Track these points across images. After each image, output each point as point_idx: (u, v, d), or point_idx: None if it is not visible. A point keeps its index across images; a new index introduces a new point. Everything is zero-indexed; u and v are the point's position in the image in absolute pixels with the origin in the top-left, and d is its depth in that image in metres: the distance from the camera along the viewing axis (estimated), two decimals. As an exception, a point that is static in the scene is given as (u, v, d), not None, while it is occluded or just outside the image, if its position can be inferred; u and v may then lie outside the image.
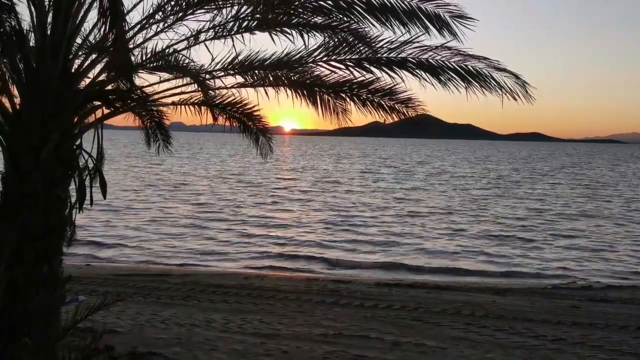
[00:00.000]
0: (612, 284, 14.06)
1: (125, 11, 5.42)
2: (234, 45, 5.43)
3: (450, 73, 5.45)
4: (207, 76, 5.55)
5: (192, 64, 5.65)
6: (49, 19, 4.92)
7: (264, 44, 5.69)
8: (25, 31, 5.01)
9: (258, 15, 5.29)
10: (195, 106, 6.27)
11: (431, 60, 5.43)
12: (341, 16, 5.19)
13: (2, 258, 4.79)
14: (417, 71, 5.50)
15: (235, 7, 5.27)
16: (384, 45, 5.42)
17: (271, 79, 5.96)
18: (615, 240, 20.55)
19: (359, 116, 6.27)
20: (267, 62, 5.82)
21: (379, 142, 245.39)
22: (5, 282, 4.77)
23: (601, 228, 23.31)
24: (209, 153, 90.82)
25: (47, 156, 4.86)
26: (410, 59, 5.44)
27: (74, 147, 5.22)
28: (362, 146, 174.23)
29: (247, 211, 25.76)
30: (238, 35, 5.40)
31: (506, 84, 5.42)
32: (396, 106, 6.07)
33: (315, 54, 5.62)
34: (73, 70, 5.15)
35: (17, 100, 4.97)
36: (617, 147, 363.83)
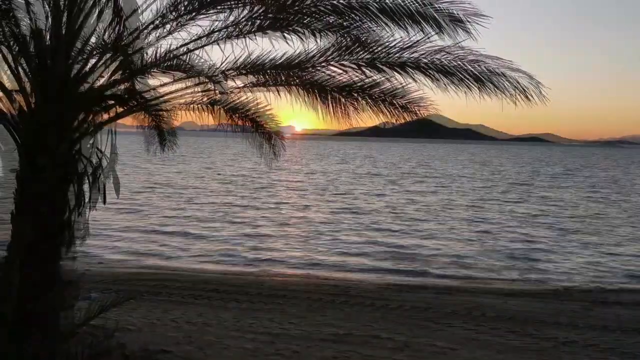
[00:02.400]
0: (625, 286, 13.91)
1: (139, 11, 5.45)
2: (246, 45, 5.45)
3: (463, 73, 5.41)
4: (220, 76, 5.57)
5: (205, 63, 5.67)
6: (64, 19, 4.96)
7: (271, 47, 5.69)
8: (40, 31, 5.05)
9: (270, 15, 5.29)
10: (207, 106, 6.30)
11: (443, 61, 5.40)
12: (353, 16, 5.18)
13: (16, 255, 4.84)
14: (430, 71, 5.48)
15: (248, 8, 5.28)
16: (396, 45, 5.40)
17: (283, 78, 5.96)
18: (629, 242, 20.33)
19: (368, 116, 6.26)
20: (279, 62, 5.83)
21: (386, 144, 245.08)
22: (19, 279, 4.82)
23: (615, 229, 23.07)
24: (216, 154, 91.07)
25: (61, 155, 4.90)
26: (422, 59, 5.42)
27: (87, 146, 5.26)
28: (369, 148, 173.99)
29: (256, 212, 25.80)
30: (250, 35, 5.41)
31: (519, 84, 5.38)
32: (408, 105, 6.04)
33: (327, 54, 5.62)
34: (86, 70, 5.19)
35: (32, 100, 5.02)
36: (632, 149, 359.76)
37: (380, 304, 10.20)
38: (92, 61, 5.32)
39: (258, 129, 7.00)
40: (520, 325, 9.04)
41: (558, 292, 12.63)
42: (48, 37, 5.04)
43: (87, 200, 5.32)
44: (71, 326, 5.10)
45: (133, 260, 15.74)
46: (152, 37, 5.40)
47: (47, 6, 4.97)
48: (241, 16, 5.25)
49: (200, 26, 5.36)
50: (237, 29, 5.31)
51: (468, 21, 5.09)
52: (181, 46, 5.49)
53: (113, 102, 5.49)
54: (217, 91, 5.92)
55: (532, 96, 5.31)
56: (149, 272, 13.18)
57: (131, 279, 11.85)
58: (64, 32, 4.98)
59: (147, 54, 5.61)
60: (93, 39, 5.45)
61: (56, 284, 4.93)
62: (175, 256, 16.39)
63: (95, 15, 5.13)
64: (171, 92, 5.73)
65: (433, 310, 9.93)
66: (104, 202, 5.52)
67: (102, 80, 5.37)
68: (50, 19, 4.98)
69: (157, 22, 5.32)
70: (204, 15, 5.35)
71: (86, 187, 5.33)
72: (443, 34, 5.16)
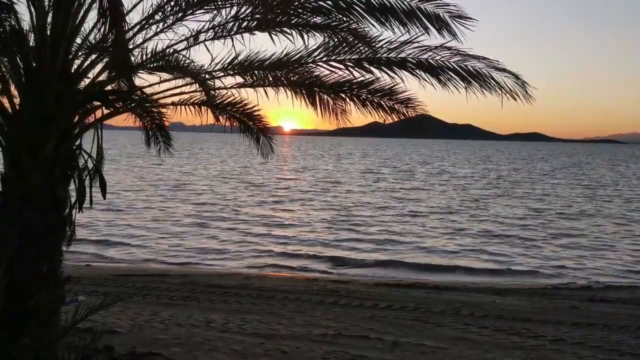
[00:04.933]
0: (611, 284, 14.06)
1: (125, 11, 5.42)
2: (233, 45, 5.44)
3: (450, 73, 5.45)
4: (207, 76, 5.56)
5: (193, 64, 5.66)
6: (49, 19, 4.92)
7: (264, 44, 5.70)
8: (25, 31, 5.01)
9: (257, 16, 5.29)
10: (196, 106, 6.28)
11: (431, 61, 5.43)
12: (341, 16, 5.19)
13: (2, 258, 4.79)
14: (417, 71, 5.50)
15: (235, 8, 5.28)
16: (384, 46, 5.42)
17: (271, 79, 5.97)
18: (614, 240, 20.56)
19: (358, 116, 6.28)
20: (267, 62, 5.83)
21: (379, 143, 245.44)
22: (5, 282, 4.78)
23: (600, 228, 23.31)
24: (209, 153, 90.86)
25: (47, 156, 4.87)
26: (409, 59, 5.44)
27: (74, 147, 5.22)
28: (362, 146, 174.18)
29: (247, 211, 25.76)
30: (237, 36, 5.41)
31: (506, 84, 5.43)
32: (396, 106, 6.07)
33: (315, 54, 5.62)
34: (73, 70, 5.16)
35: (17, 100, 4.97)
36: (617, 147, 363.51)
37: (369, 304, 10.22)
38: (80, 61, 5.29)
39: (247, 130, 7.00)
40: (508, 324, 9.10)
41: (546, 290, 12.73)
42: (33, 37, 5.01)
43: (73, 201, 5.28)
44: (58, 329, 5.06)
45: (120, 261, 15.67)
46: (139, 37, 5.39)
47: (32, 6, 4.92)
48: (228, 17, 5.24)
49: (187, 27, 5.36)
50: (225, 30, 5.30)
51: (454, 23, 5.14)
52: (169, 47, 5.47)
53: (100, 102, 5.45)
54: (203, 90, 5.89)
55: (518, 95, 5.37)
56: (137, 273, 13.10)
57: (119, 281, 11.78)
58: (49, 32, 4.93)
59: (136, 53, 5.60)
60: (80, 39, 5.41)
61: (43, 287, 4.89)
62: (163, 257, 16.33)
63: (82, 14, 5.10)
64: (160, 92, 5.70)
65: (422, 309, 9.96)
66: (91, 203, 5.48)
67: (88, 81, 5.33)
68: (35, 19, 4.93)
69: (145, 22, 5.30)
70: (192, 16, 5.34)
71: (74, 188, 5.30)
72: (430, 35, 5.20)
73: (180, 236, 19.36)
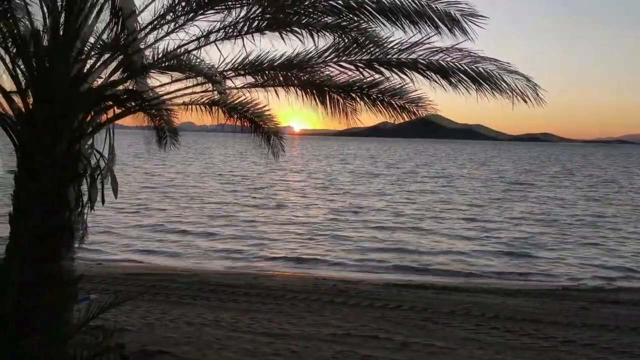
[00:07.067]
0: (623, 285, 13.93)
1: (137, 11, 5.45)
2: (244, 45, 5.46)
3: (461, 75, 5.43)
4: (218, 76, 5.58)
5: (204, 64, 5.68)
6: (61, 20, 4.96)
7: (274, 45, 5.71)
8: (38, 32, 5.04)
9: (268, 16, 5.30)
10: (206, 106, 6.31)
11: (442, 62, 5.42)
12: (351, 16, 5.19)
13: (14, 256, 4.83)
14: (428, 73, 5.50)
15: (245, 8, 5.29)
16: (394, 47, 5.41)
17: (281, 79, 5.98)
18: (627, 242, 20.36)
19: (368, 116, 6.28)
20: (277, 62, 5.84)
21: (387, 143, 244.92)
22: (17, 280, 4.82)
23: (613, 229, 23.09)
24: (216, 153, 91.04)
25: (59, 155, 4.90)
26: (420, 60, 5.44)
27: (86, 146, 5.26)
28: (370, 147, 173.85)
29: (255, 212, 25.81)
30: (248, 36, 5.42)
31: (517, 87, 5.40)
32: (406, 105, 6.06)
33: (326, 54, 5.63)
34: (85, 71, 5.19)
35: (30, 100, 5.02)
36: (631, 148, 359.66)
37: (379, 304, 10.21)
38: (92, 61, 5.32)
39: (257, 129, 7.02)
40: (518, 325, 9.05)
41: (556, 291, 12.64)
42: (47, 37, 5.05)
43: (86, 200, 5.32)
44: (70, 327, 5.10)
45: (131, 260, 15.76)
46: (151, 37, 5.41)
47: (44, 7, 4.96)
48: (239, 17, 5.25)
49: (198, 27, 5.37)
50: (235, 30, 5.31)
51: (465, 21, 5.12)
52: (180, 47, 5.50)
53: (112, 102, 5.49)
54: (215, 91, 5.92)
55: (529, 98, 5.34)
56: (147, 272, 13.17)
57: (129, 280, 11.85)
58: (62, 32, 4.97)
59: (147, 54, 5.62)
60: (92, 39, 5.45)
61: (54, 285, 4.93)
62: (173, 256, 16.41)
63: (94, 15, 5.13)
64: (171, 92, 5.73)
65: (432, 309, 9.93)
66: (103, 202, 5.52)
67: (100, 81, 5.36)
68: (48, 20, 4.98)
69: (156, 22, 5.33)
70: (203, 16, 5.35)
71: (86, 187, 5.34)
72: (441, 34, 5.18)
73: (188, 237, 19.42)
